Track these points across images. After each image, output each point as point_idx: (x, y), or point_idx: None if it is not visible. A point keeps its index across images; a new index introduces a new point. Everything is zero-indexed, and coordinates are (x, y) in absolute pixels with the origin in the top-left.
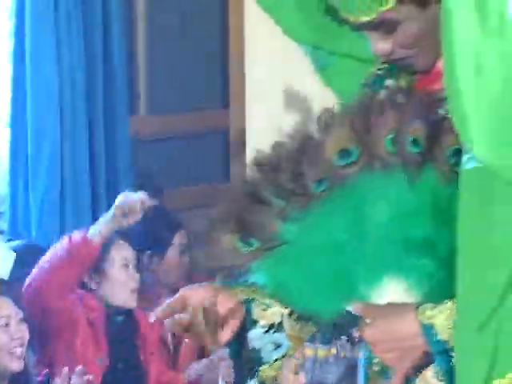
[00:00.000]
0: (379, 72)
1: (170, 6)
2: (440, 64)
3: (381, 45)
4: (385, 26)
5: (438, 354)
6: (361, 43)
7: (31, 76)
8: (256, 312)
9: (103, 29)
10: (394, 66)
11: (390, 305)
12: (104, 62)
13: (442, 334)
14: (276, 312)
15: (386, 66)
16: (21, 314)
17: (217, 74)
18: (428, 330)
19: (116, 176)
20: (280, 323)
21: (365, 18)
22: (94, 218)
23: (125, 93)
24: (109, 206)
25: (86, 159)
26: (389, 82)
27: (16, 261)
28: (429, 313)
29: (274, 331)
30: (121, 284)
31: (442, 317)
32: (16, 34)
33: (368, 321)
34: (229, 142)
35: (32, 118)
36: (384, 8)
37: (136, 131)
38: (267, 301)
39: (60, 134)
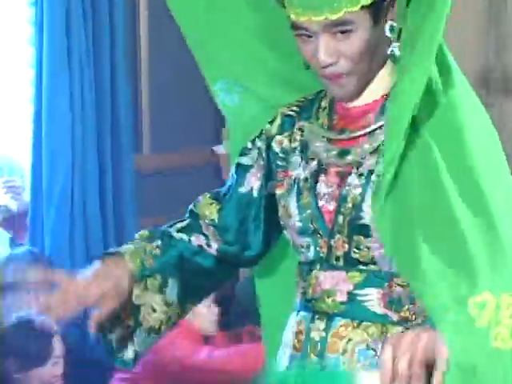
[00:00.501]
0: (291, 113)
1: (170, 54)
2: (361, 103)
3: (328, 53)
4: (343, 27)
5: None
6: (278, 88)
7: (47, 114)
8: None
9: (111, 76)
10: (307, 108)
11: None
12: (112, 105)
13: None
14: None
15: (297, 109)
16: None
17: (212, 115)
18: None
19: (122, 206)
20: None
21: (331, 16)
22: (104, 244)
23: (130, 132)
24: (116, 233)
25: (95, 191)
26: (300, 124)
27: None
28: None
29: None
30: None
31: None
32: (35, 79)
33: None
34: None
35: (47, 151)
36: (350, 9)
37: (139, 167)
38: None
39: (71, 167)
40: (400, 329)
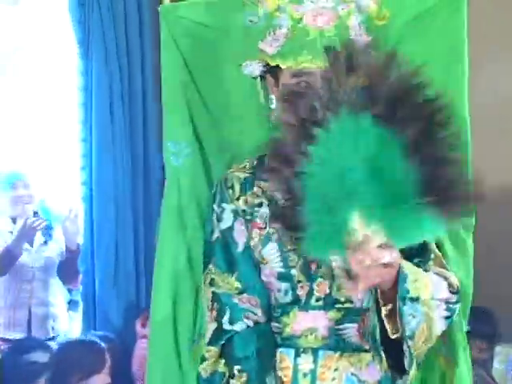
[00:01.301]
0: (247, 175)
1: None
2: None
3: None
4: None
5: (401, 299)
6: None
7: (96, 180)
8: None
9: (144, 151)
10: (260, 169)
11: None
12: (144, 175)
13: (411, 287)
14: None
15: (251, 170)
16: None
17: None
18: (403, 277)
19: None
20: None
21: (314, 65)
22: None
23: (158, 196)
24: (149, 275)
25: (131, 244)
26: (258, 183)
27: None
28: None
29: None
30: None
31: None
32: (84, 155)
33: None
34: None
35: (96, 212)
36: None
37: None
38: None
39: (115, 225)
40: (370, 356)
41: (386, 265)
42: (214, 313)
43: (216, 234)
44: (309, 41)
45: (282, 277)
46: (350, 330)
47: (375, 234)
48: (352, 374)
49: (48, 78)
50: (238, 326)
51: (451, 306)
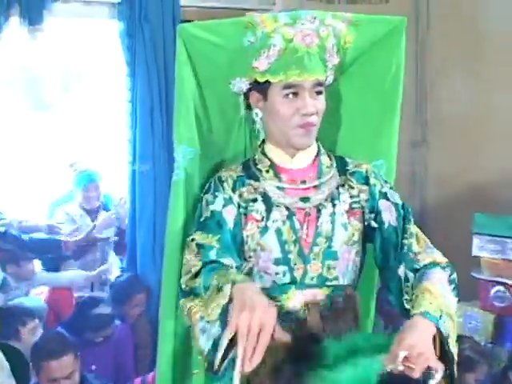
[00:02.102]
0: (240, 174)
1: None
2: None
3: (312, 105)
4: (320, 87)
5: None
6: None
7: (139, 175)
8: None
9: None
10: (247, 173)
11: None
12: None
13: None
14: None
15: (241, 173)
16: None
17: None
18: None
19: None
20: None
21: (319, 77)
22: None
23: None
24: None
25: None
26: (249, 182)
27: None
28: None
29: None
30: None
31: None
32: (131, 153)
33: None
34: None
35: (139, 200)
36: (327, 73)
37: None
38: None
39: (153, 210)
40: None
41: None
42: (198, 252)
43: (205, 214)
44: (297, 57)
45: (279, 262)
46: (340, 301)
47: None
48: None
49: (104, 92)
50: (221, 259)
51: (453, 282)
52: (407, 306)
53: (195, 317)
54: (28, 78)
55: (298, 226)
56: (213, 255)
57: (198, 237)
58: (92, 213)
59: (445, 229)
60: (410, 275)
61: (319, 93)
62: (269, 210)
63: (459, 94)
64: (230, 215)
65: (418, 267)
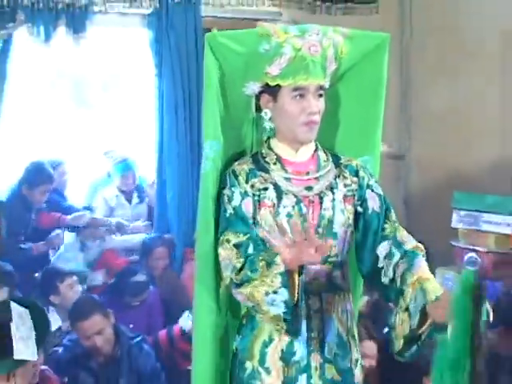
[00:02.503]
0: (252, 166)
1: None
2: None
3: (315, 105)
4: (321, 91)
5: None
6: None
7: (167, 161)
8: None
9: (198, 143)
10: (257, 165)
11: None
12: (198, 157)
13: None
14: None
15: (252, 165)
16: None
17: None
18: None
19: None
20: None
21: (322, 82)
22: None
23: None
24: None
25: (188, 205)
26: (259, 173)
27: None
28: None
29: None
30: None
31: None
32: (158, 142)
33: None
34: None
35: (167, 182)
36: (327, 78)
37: None
38: None
39: (178, 191)
40: (347, 293)
41: None
42: (239, 252)
43: (229, 211)
44: (304, 64)
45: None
46: (338, 276)
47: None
48: (342, 307)
49: (136, 90)
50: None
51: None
52: (384, 278)
53: (258, 296)
54: (73, 80)
55: (304, 210)
56: (250, 250)
57: (231, 237)
58: (127, 194)
59: (430, 205)
60: (396, 253)
61: (320, 95)
62: (279, 197)
63: (438, 92)
64: (247, 207)
65: (404, 248)
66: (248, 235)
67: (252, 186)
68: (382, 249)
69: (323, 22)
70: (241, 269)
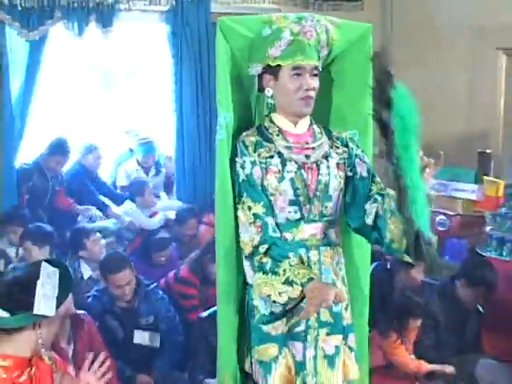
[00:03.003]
0: (259, 138)
1: None
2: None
3: (311, 82)
4: (316, 70)
5: None
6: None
7: (186, 136)
8: None
9: (210, 120)
10: (261, 137)
11: None
12: (211, 133)
13: None
14: None
15: (258, 137)
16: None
17: None
18: None
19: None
20: None
21: (317, 63)
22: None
23: None
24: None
25: (204, 174)
26: (265, 144)
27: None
28: None
29: None
30: None
31: None
32: (176, 122)
33: None
34: None
35: (186, 155)
36: (320, 60)
37: None
38: None
39: (193, 164)
40: (340, 248)
41: None
42: (258, 226)
43: (242, 177)
44: (301, 47)
45: (292, 203)
46: (332, 232)
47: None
48: (338, 260)
49: (156, 77)
50: (276, 235)
51: None
52: (368, 220)
53: (263, 291)
54: (101, 67)
55: (305, 175)
56: (271, 232)
57: (250, 203)
58: (146, 168)
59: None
60: (379, 198)
61: (315, 75)
62: (283, 164)
63: (415, 78)
64: (257, 174)
65: (383, 193)
66: (262, 203)
67: (259, 155)
68: (370, 206)
69: None
70: (265, 253)
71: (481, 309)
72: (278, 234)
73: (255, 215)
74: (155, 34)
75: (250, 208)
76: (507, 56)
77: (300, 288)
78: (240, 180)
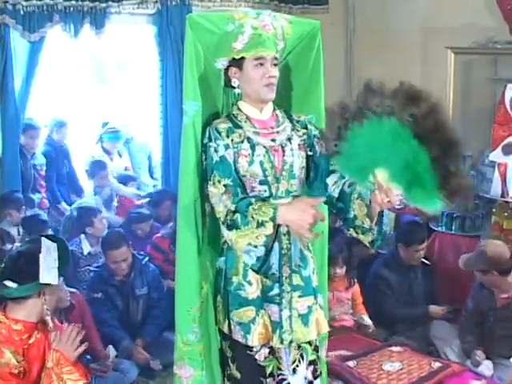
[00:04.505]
0: (230, 125)
1: None
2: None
3: (273, 71)
4: (276, 61)
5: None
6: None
7: (169, 127)
8: None
9: None
10: (231, 124)
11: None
12: None
13: None
14: None
15: (229, 123)
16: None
17: None
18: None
19: None
20: None
21: (276, 53)
22: None
23: None
24: None
25: None
26: (235, 130)
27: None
28: None
29: None
30: None
31: None
32: (161, 114)
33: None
34: None
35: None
36: (279, 49)
37: None
38: None
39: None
40: None
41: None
42: (229, 194)
43: (215, 158)
44: (262, 40)
45: (262, 182)
46: None
47: (394, 188)
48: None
49: (143, 72)
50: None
51: None
52: (334, 192)
53: (240, 244)
54: (95, 63)
55: (272, 158)
56: (239, 194)
57: (221, 178)
58: (110, 154)
59: None
60: (342, 178)
61: (275, 65)
62: (253, 148)
63: (373, 73)
64: (229, 156)
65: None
66: (232, 177)
67: (231, 140)
68: (331, 179)
69: None
70: (234, 211)
71: (427, 261)
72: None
73: (226, 186)
74: (143, 35)
75: (219, 181)
76: (454, 54)
77: (271, 223)
78: (213, 162)
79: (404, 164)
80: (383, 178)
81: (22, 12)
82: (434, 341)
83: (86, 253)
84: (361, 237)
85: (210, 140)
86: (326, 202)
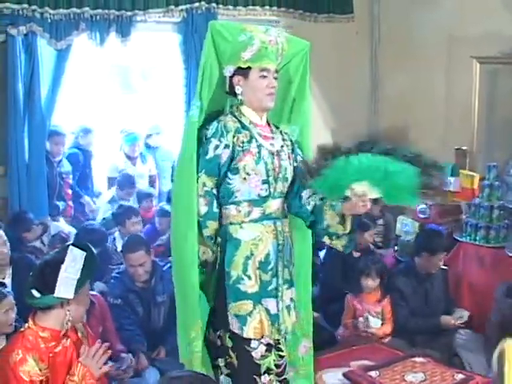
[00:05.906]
0: (237, 125)
1: None
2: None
3: (275, 83)
4: (277, 74)
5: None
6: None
7: None
8: None
9: None
10: (236, 126)
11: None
12: None
13: None
14: None
15: (236, 124)
16: None
17: None
18: None
19: None
20: None
21: (278, 66)
22: None
23: None
24: None
25: None
26: (240, 131)
27: None
28: None
29: None
30: None
31: None
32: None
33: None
34: None
35: None
36: (278, 62)
37: None
38: None
39: None
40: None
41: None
42: (207, 200)
43: (210, 155)
44: (268, 53)
45: (264, 182)
46: (284, 207)
47: (371, 191)
48: (289, 228)
49: (169, 79)
50: (217, 211)
51: None
52: (310, 206)
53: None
54: (121, 71)
55: (273, 160)
56: (215, 209)
57: (206, 180)
58: (133, 159)
59: None
60: (315, 196)
61: (276, 78)
62: (259, 149)
63: (399, 82)
64: (225, 155)
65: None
66: (215, 180)
67: (237, 139)
68: (305, 193)
69: (311, 28)
70: (204, 216)
71: (445, 267)
72: (218, 210)
73: (206, 192)
74: (168, 43)
75: (204, 184)
76: (479, 63)
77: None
78: (207, 157)
79: (377, 173)
80: (360, 188)
81: (49, 20)
82: (457, 350)
83: (119, 250)
84: (334, 243)
85: (214, 136)
86: (299, 216)
